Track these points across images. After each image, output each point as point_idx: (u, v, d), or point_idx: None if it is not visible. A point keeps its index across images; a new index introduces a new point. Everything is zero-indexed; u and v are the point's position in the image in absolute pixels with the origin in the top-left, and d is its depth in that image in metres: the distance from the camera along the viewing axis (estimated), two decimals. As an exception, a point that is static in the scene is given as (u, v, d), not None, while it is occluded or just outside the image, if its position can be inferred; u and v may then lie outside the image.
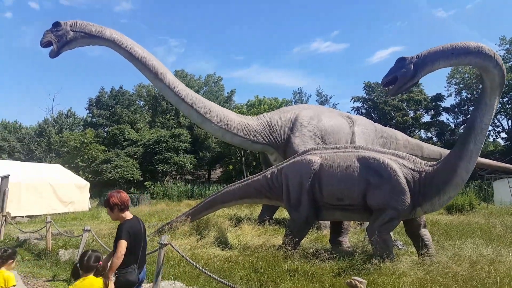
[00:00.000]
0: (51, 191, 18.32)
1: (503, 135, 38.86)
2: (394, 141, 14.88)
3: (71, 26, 9.64)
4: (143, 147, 35.05)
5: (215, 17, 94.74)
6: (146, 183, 31.95)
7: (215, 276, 4.22)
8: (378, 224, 6.95)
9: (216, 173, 40.15)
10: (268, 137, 11.58)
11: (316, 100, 44.74)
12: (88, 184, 21.25)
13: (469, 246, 7.44)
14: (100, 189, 29.76)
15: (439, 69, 6.20)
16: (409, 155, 7.49)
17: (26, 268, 7.58)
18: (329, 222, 9.08)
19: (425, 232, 7.44)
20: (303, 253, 7.16)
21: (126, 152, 34.12)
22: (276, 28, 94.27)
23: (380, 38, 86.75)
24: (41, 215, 17.34)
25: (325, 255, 6.30)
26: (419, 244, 7.27)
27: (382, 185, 7.05)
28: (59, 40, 9.53)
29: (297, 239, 7.82)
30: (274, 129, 11.64)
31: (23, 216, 16.66)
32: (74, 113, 53.06)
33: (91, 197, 22.58)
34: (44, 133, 45.02)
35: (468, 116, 39.03)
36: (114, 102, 44.27)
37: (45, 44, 9.65)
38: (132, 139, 36.20)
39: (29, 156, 38.87)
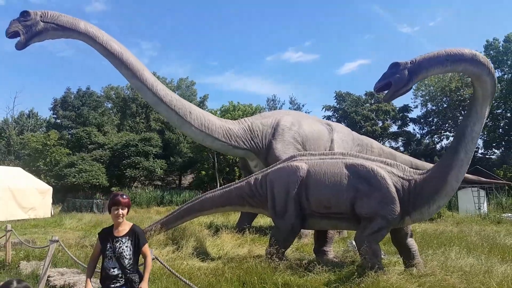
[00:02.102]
0: (10, 196, 16.96)
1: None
2: (370, 149, 15.00)
3: (41, 16, 8.84)
4: (111, 151, 33.55)
5: (191, 22, 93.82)
6: (113, 188, 30.51)
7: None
8: (367, 234, 6.76)
9: (187, 179, 39.16)
10: (249, 142, 11.22)
11: (289, 108, 45.08)
12: (51, 188, 19.92)
13: (453, 256, 7.42)
14: (63, 194, 28.07)
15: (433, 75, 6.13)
16: (397, 163, 7.39)
17: (-20, 284, 6.69)
18: (313, 231, 8.82)
19: (411, 242, 7.34)
20: (290, 264, 6.83)
21: (92, 156, 32.52)
22: (251, 36, 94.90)
23: (349, 51, 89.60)
24: (-2, 222, 15.97)
25: (319, 268, 5.97)
26: (406, 254, 7.16)
27: (372, 194, 6.89)
28: (27, 30, 8.69)
29: (282, 249, 7.50)
30: (256, 134, 11.32)
31: (-24, 224, 15.20)
32: (37, 114, 50.16)
33: (53, 203, 21.17)
34: (3, 134, 42.13)
35: (433, 127, 40.88)
36: (81, 103, 42.23)
37: (12, 34, 8.78)
38: (98, 142, 34.58)
39: (-16, 159, 36.13)
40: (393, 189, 6.84)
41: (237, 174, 31.57)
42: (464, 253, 7.68)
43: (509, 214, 19.28)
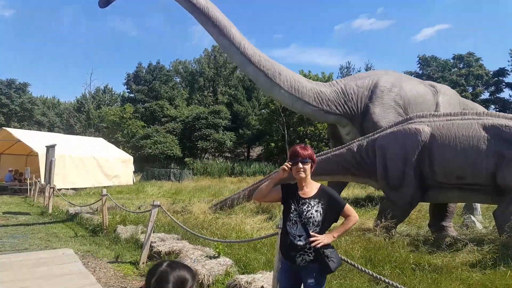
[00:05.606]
0: (96, 164, 17.85)
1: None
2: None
3: None
4: (182, 124, 34.47)
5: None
6: (187, 159, 31.46)
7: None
8: (514, 209, 5.46)
9: (255, 151, 39.14)
10: (342, 107, 10.07)
11: (365, 76, 42.19)
12: (131, 158, 20.70)
13: None
14: (140, 164, 29.51)
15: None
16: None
17: (82, 246, 6.70)
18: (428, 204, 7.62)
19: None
20: (412, 241, 5.81)
21: (166, 128, 33.70)
22: (317, 5, 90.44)
23: (427, 16, 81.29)
24: (86, 188, 16.96)
25: (469, 247, 4.86)
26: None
27: (521, 160, 5.51)
28: None
29: (398, 224, 6.50)
30: (350, 98, 10.10)
31: (68, 189, 16.28)
32: (111, 89, 53.43)
33: (134, 172, 22.12)
34: (83, 109, 45.52)
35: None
36: (152, 77, 43.81)
37: None
38: (171, 115, 35.69)
39: (69, 131, 39.31)
40: (551, 155, 5.39)
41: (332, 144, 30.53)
42: None
43: None
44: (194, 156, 32.90)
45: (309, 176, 2.73)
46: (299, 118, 29.46)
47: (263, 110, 35.38)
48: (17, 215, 10.56)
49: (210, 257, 4.98)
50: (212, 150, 35.83)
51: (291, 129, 30.23)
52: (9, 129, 18.01)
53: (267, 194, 2.83)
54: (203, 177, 25.77)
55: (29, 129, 33.96)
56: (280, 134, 31.01)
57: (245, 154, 39.13)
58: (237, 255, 5.22)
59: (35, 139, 16.98)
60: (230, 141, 33.22)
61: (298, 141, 31.20)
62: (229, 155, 37.59)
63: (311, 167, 2.73)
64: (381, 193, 13.06)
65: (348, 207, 2.72)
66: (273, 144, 31.96)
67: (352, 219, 2.71)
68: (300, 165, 2.67)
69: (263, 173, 26.47)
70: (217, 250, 4.99)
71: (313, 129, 29.84)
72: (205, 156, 34.84)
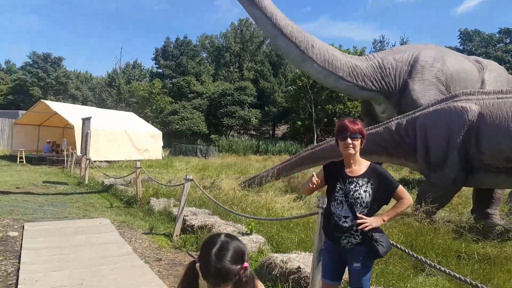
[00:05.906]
0: (127, 138, 18.24)
1: None
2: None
3: None
4: (208, 100, 34.51)
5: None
6: (212, 136, 31.65)
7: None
8: None
9: (281, 129, 38.79)
10: (379, 83, 9.57)
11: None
12: (160, 133, 21.03)
13: None
14: (168, 139, 29.95)
15: None
16: None
17: (118, 216, 6.85)
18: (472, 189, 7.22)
19: None
20: (455, 228, 5.50)
21: (192, 105, 33.86)
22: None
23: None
24: (118, 161, 17.42)
25: (510, 235, 4.53)
26: None
27: None
28: None
29: (439, 208, 6.17)
30: (387, 73, 9.57)
31: (102, 161, 16.76)
32: (140, 64, 53.94)
33: (162, 146, 22.48)
34: (114, 83, 46.37)
35: None
36: (179, 52, 43.82)
37: None
38: (197, 91, 35.77)
39: (101, 105, 40.21)
40: None
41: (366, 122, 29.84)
42: None
43: None
44: (219, 133, 33.04)
45: (358, 153, 2.50)
46: (328, 95, 28.68)
47: (290, 87, 34.70)
48: (56, 184, 11.02)
49: (243, 234, 4.92)
50: (238, 127, 35.82)
51: (319, 107, 29.57)
52: (46, 102, 18.64)
53: (313, 188, 2.61)
54: (228, 154, 25.90)
55: (64, 102, 35.05)
56: (307, 112, 30.43)
57: (270, 132, 38.90)
58: (269, 233, 5.14)
59: (71, 112, 17.52)
60: (256, 119, 33.02)
61: (326, 120, 30.55)
62: (254, 133, 37.48)
63: (361, 143, 2.50)
64: (416, 176, 12.60)
65: (401, 189, 2.48)
66: (299, 123, 31.46)
67: (406, 202, 2.46)
68: (349, 140, 2.45)
69: (289, 152, 26.24)
70: (249, 227, 4.92)
71: (342, 107, 29.05)
72: (230, 134, 34.91)
